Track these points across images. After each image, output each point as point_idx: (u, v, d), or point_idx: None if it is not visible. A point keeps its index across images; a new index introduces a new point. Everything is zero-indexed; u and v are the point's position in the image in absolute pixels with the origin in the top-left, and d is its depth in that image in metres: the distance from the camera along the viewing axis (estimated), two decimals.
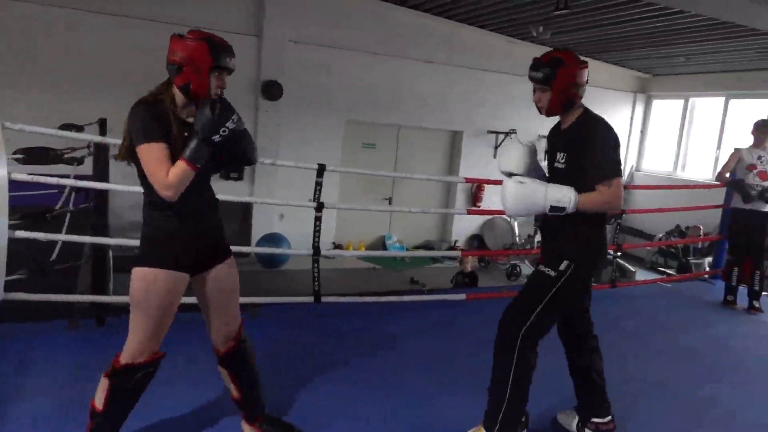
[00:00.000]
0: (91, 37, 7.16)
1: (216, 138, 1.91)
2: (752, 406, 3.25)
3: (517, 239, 9.62)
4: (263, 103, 8.20)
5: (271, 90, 8.12)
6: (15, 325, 3.28)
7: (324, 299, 3.77)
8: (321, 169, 3.63)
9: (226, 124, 1.92)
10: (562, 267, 2.33)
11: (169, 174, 1.88)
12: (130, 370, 2.06)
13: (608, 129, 2.36)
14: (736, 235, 5.24)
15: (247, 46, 7.99)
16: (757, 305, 5.13)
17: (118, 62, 7.31)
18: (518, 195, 2.27)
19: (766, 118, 5.28)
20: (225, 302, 2.22)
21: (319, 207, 3.68)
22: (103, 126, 3.81)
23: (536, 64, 2.36)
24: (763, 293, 5.29)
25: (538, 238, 9.46)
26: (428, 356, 3.43)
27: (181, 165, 1.89)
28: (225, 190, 8.67)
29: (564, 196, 2.24)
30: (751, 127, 5.25)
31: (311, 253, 3.73)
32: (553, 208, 2.23)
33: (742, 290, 5.25)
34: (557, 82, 2.30)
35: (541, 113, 2.44)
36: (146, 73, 7.71)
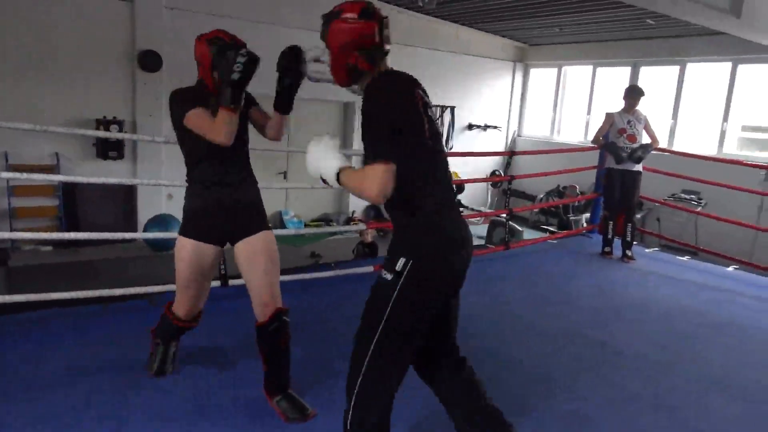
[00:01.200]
0: None
1: (235, 76, 2.18)
2: (635, 343, 3.63)
3: None
4: (141, 75, 7.59)
5: (148, 60, 7.53)
6: None
7: (231, 282, 3.63)
8: None
9: (237, 59, 2.18)
10: (399, 266, 1.78)
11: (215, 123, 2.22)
12: (169, 318, 2.62)
13: (386, 95, 1.79)
14: (610, 192, 5.75)
15: (118, 13, 7.32)
16: (629, 254, 5.71)
17: None
18: (307, 159, 1.85)
19: (635, 84, 5.80)
20: (256, 275, 2.41)
21: None
22: None
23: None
24: (634, 243, 5.89)
25: None
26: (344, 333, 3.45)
27: (219, 113, 2.21)
28: (104, 172, 8.11)
29: (329, 168, 1.79)
30: (618, 94, 5.74)
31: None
32: (322, 180, 1.83)
33: (617, 242, 5.81)
34: (332, 40, 1.86)
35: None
36: (6, 43, 6.93)
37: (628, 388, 3.01)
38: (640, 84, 9.79)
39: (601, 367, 3.28)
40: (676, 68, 9.33)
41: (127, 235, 4.54)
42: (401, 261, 1.77)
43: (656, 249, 6.58)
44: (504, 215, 5.80)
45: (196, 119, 2.28)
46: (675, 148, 8.90)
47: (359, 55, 1.83)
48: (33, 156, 6.99)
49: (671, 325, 4.02)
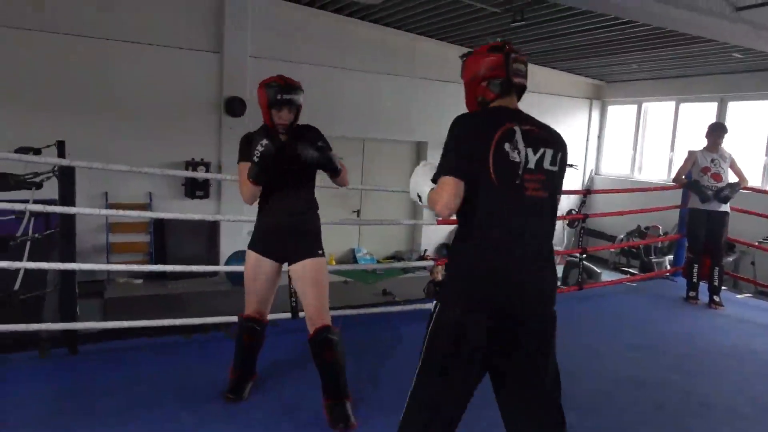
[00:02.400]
0: (46, 57, 6.98)
1: (254, 158, 2.56)
2: (723, 394, 3.39)
3: None
4: (226, 120, 8.13)
5: (234, 106, 8.06)
6: None
7: (301, 314, 3.74)
8: None
9: (256, 148, 2.55)
10: (433, 308, 1.87)
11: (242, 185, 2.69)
12: (241, 320, 2.95)
13: (455, 124, 1.89)
14: (695, 233, 5.45)
15: (208, 63, 7.93)
16: (717, 300, 5.34)
17: (74, 82, 7.15)
18: (410, 180, 2.01)
19: (717, 121, 5.54)
20: (304, 293, 2.76)
21: None
22: (61, 148, 3.69)
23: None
24: (723, 288, 5.52)
25: None
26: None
27: (246, 182, 2.65)
28: (190, 209, 8.59)
29: (423, 188, 1.94)
30: (703, 130, 5.50)
31: (286, 269, 3.70)
32: (419, 198, 1.97)
33: (703, 286, 5.46)
34: (464, 74, 2.03)
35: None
36: (104, 92, 7.69)
37: None
38: (729, 120, 9.37)
39: (685, 417, 3.07)
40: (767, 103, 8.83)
41: (210, 269, 4.80)
42: (434, 304, 1.86)
43: (749, 295, 6.11)
44: (578, 254, 5.62)
45: (239, 169, 2.72)
46: None
47: (486, 86, 1.94)
48: (128, 195, 7.59)
49: (764, 377, 3.71)
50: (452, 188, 1.77)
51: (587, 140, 11.63)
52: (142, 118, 7.58)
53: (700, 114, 9.74)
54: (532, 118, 1.92)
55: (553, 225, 1.92)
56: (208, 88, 8.01)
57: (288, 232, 2.78)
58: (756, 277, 7.34)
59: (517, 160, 1.80)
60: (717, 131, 5.38)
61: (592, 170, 11.75)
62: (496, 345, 1.79)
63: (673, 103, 10.33)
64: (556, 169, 1.87)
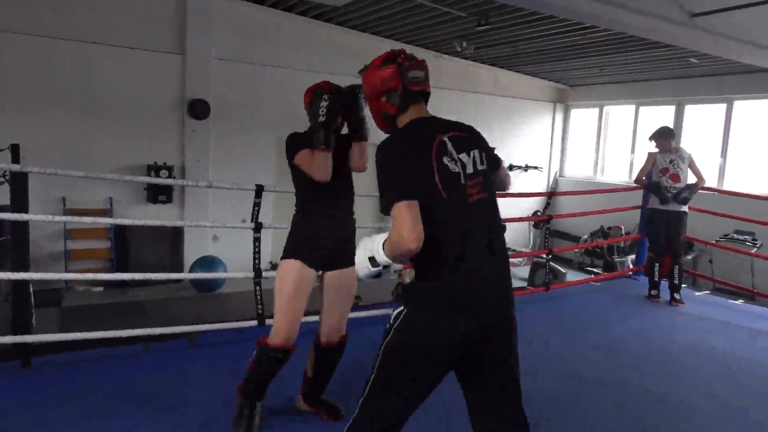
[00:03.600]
0: (1, 57, 6.72)
1: (321, 119, 2.47)
2: (682, 391, 3.46)
3: None
4: (190, 122, 7.96)
5: (197, 108, 7.90)
6: None
7: (268, 321, 3.68)
8: (259, 190, 3.57)
9: (321, 104, 2.47)
10: (394, 314, 1.81)
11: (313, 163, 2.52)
12: (267, 349, 2.62)
13: (379, 152, 1.78)
14: (655, 233, 5.58)
15: (171, 65, 7.76)
16: (677, 297, 5.48)
17: (31, 83, 6.89)
18: (356, 259, 1.81)
19: (662, 126, 5.68)
20: (336, 303, 2.72)
21: (258, 227, 3.61)
22: (15, 152, 3.55)
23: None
24: (683, 285, 5.67)
25: None
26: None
27: (315, 153, 2.49)
28: (153, 214, 8.41)
29: (369, 246, 1.76)
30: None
31: (253, 276, 3.64)
32: (374, 265, 1.75)
33: (664, 284, 5.60)
34: (365, 89, 1.98)
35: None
36: (64, 94, 7.44)
37: None
38: (686, 123, 9.66)
39: (646, 415, 3.13)
40: (723, 106, 9.13)
41: (174, 276, 4.69)
42: (399, 309, 1.79)
43: (707, 292, 6.30)
44: (544, 256, 5.69)
45: (301, 158, 2.57)
46: (725, 187, 8.62)
47: (385, 100, 1.89)
48: (88, 201, 7.36)
49: (721, 374, 3.81)
50: (411, 212, 1.65)
51: (551, 143, 11.82)
52: (103, 120, 7.36)
53: (659, 117, 10.00)
54: (449, 121, 1.89)
55: (500, 221, 1.90)
56: (171, 90, 7.83)
57: (335, 239, 2.69)
58: (714, 275, 7.56)
59: (457, 170, 1.78)
60: (664, 136, 5.53)
61: (556, 172, 11.94)
62: (465, 349, 1.76)
63: (633, 107, 10.58)
64: (485, 167, 1.86)
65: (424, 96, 1.94)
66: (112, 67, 7.35)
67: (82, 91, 7.21)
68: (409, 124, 1.87)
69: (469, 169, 1.81)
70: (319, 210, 2.66)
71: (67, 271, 7.10)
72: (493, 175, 1.92)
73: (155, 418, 2.75)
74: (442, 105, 10.31)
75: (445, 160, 1.77)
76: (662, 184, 5.41)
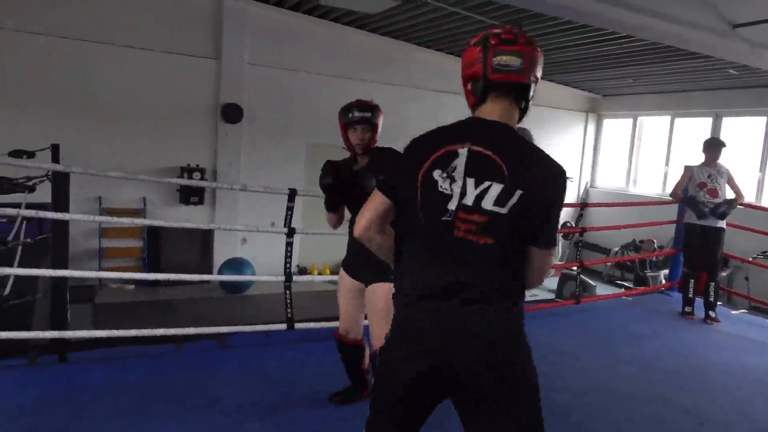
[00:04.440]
0: (41, 60, 6.93)
1: (325, 192, 2.67)
2: (719, 410, 3.36)
3: None
4: (223, 126, 8.09)
5: (231, 113, 8.03)
6: None
7: (297, 325, 3.71)
8: (292, 194, 3.60)
9: (321, 182, 2.64)
10: None
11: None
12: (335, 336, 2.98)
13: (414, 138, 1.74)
14: (691, 249, 5.45)
15: (205, 69, 7.91)
16: (713, 315, 5.33)
17: (69, 86, 7.10)
18: None
19: (714, 136, 5.56)
20: (372, 317, 2.73)
21: (291, 233, 3.64)
22: (56, 152, 3.65)
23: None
24: (719, 303, 5.52)
25: None
26: None
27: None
28: (185, 215, 8.53)
29: None
30: (698, 145, 5.51)
31: (283, 280, 3.67)
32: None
33: (699, 301, 5.45)
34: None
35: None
36: (101, 96, 7.64)
37: None
38: (723, 135, 9.42)
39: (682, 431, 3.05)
40: (763, 119, 8.88)
41: (200, 277, 4.76)
42: None
43: (743, 311, 6.12)
44: (575, 268, 5.61)
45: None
46: (764, 203, 8.38)
47: (469, 89, 1.58)
48: (123, 200, 7.53)
49: (759, 394, 3.69)
50: (375, 202, 1.58)
51: (583, 153, 11.66)
52: (139, 123, 7.53)
53: (695, 129, 9.79)
54: (507, 141, 1.50)
55: (502, 278, 1.50)
56: (205, 94, 7.98)
57: (366, 255, 2.73)
58: (750, 293, 7.34)
59: (447, 192, 1.48)
60: (714, 146, 5.39)
61: (587, 183, 11.77)
62: (429, 388, 1.56)
63: (668, 118, 10.37)
64: (504, 211, 1.44)
65: (516, 89, 1.54)
66: (149, 71, 7.52)
67: (118, 95, 7.39)
68: (457, 123, 1.58)
69: (468, 200, 1.47)
70: (352, 224, 2.77)
71: (100, 268, 7.28)
72: (520, 225, 1.47)
73: (185, 419, 2.78)
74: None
75: (437, 174, 1.49)
76: (699, 198, 5.28)
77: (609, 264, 9.92)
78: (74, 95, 7.13)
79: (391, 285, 2.22)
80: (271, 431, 2.75)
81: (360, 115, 2.66)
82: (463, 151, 1.47)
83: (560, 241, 11.03)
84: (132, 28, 7.36)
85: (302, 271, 8.76)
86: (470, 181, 1.46)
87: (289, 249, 3.68)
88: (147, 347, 3.57)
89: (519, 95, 1.55)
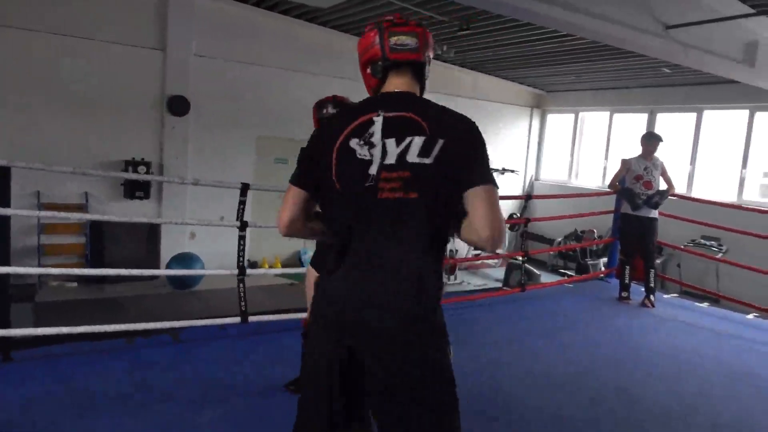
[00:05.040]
0: None
1: None
2: (652, 390, 3.61)
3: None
4: (169, 119, 7.91)
5: (177, 105, 7.86)
6: None
7: (250, 318, 3.72)
8: (245, 188, 3.61)
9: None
10: None
11: None
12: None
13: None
14: (627, 237, 5.76)
15: (151, 61, 7.70)
16: (652, 299, 5.65)
17: (9, 75, 6.77)
18: None
19: (652, 131, 5.86)
20: None
21: (243, 226, 3.64)
22: None
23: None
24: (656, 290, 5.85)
25: (450, 246, 9.82)
26: None
27: None
28: (130, 210, 8.30)
29: None
30: (635, 140, 5.82)
31: (236, 273, 3.67)
32: None
33: (635, 287, 5.78)
34: None
35: None
36: (42, 87, 7.31)
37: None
38: (657, 130, 9.92)
39: (618, 412, 3.26)
40: (693, 115, 9.42)
41: (150, 272, 4.68)
42: None
43: (675, 295, 6.52)
44: (520, 258, 5.83)
45: None
46: (694, 194, 8.90)
47: (369, 72, 1.64)
48: (64, 195, 7.26)
49: (689, 374, 3.97)
50: (290, 197, 1.57)
51: (528, 147, 12.03)
52: (81, 115, 7.27)
53: (632, 124, 10.28)
54: (418, 104, 1.56)
55: (427, 234, 1.49)
56: (151, 86, 7.77)
57: None
58: (681, 278, 7.81)
59: (367, 157, 1.49)
60: (652, 140, 5.68)
61: (532, 176, 12.16)
62: (347, 375, 1.51)
63: (608, 113, 10.85)
64: (429, 161, 1.46)
65: (413, 67, 1.61)
66: (91, 61, 7.27)
67: (58, 85, 7.11)
68: (364, 100, 1.61)
69: (390, 159, 1.48)
70: None
71: (40, 266, 6.99)
72: (443, 174, 1.48)
73: (137, 415, 2.76)
74: None
75: (354, 143, 1.50)
76: (635, 190, 5.58)
77: (553, 254, 10.32)
78: (9, 86, 6.81)
79: None
80: (225, 421, 2.77)
81: (334, 112, 2.63)
82: (378, 119, 1.51)
83: (507, 233, 11.37)
84: (74, 17, 7.08)
85: (253, 265, 8.68)
86: (390, 141, 1.49)
87: (241, 242, 3.68)
88: (95, 343, 3.50)
89: (416, 74, 1.62)
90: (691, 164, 9.45)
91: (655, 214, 5.59)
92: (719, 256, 8.02)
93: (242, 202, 3.63)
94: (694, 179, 9.41)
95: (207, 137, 8.20)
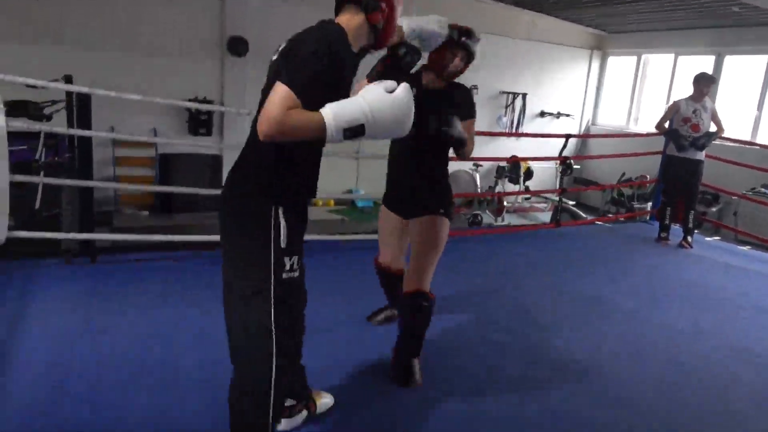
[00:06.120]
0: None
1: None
2: (663, 315, 3.80)
3: (479, 190, 10.08)
4: (229, 60, 8.30)
5: (237, 46, 8.21)
6: (13, 263, 3.57)
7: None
8: None
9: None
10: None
11: None
12: (430, 299, 2.62)
13: None
14: (670, 179, 5.77)
15: (210, 2, 8.04)
16: (690, 240, 5.70)
17: (77, 18, 7.27)
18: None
19: (705, 72, 5.73)
20: (411, 254, 2.63)
21: None
22: (69, 81, 3.92)
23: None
24: (696, 231, 5.87)
25: (498, 188, 9.94)
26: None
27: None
28: (195, 144, 8.74)
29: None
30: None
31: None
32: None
33: (676, 229, 5.82)
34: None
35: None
36: (108, 29, 7.77)
37: (646, 348, 3.22)
38: (724, 74, 9.49)
39: (627, 335, 3.49)
40: (764, 57, 8.94)
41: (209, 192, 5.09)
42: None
43: (718, 238, 6.49)
44: (557, 195, 5.95)
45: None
46: (759, 140, 8.56)
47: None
48: (134, 131, 7.87)
49: (705, 302, 4.14)
50: (291, 102, 1.71)
51: (586, 91, 11.75)
52: (146, 56, 7.74)
53: (697, 67, 9.82)
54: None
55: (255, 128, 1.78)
56: (211, 27, 8.14)
57: (403, 185, 2.73)
58: (737, 226, 7.66)
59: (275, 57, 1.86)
60: (704, 81, 5.56)
61: (588, 120, 11.92)
62: None
63: (672, 56, 10.41)
64: (275, 57, 1.86)
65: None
66: (155, 3, 7.68)
67: (125, 28, 7.57)
68: None
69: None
70: (396, 150, 2.76)
71: (116, 195, 7.72)
72: (273, 72, 1.83)
73: (201, 305, 3.24)
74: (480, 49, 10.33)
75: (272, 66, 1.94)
76: (681, 132, 5.54)
77: (606, 200, 10.24)
78: (85, 31, 7.32)
79: (441, 218, 2.59)
80: None
81: (466, 42, 2.49)
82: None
83: (558, 177, 11.32)
84: None
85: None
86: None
87: None
88: (167, 253, 4.02)
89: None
90: (758, 109, 9.04)
91: (701, 156, 5.55)
92: None
93: None
94: (760, 125, 9.02)
95: (264, 77, 8.53)
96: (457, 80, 2.60)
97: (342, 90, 1.74)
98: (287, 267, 1.78)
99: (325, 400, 2.32)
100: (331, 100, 1.63)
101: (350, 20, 1.83)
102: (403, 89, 1.67)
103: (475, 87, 10.03)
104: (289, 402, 2.16)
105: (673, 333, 3.52)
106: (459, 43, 2.45)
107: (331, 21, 1.83)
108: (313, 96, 1.61)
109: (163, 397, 2.33)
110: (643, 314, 3.79)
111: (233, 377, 1.86)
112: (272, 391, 1.80)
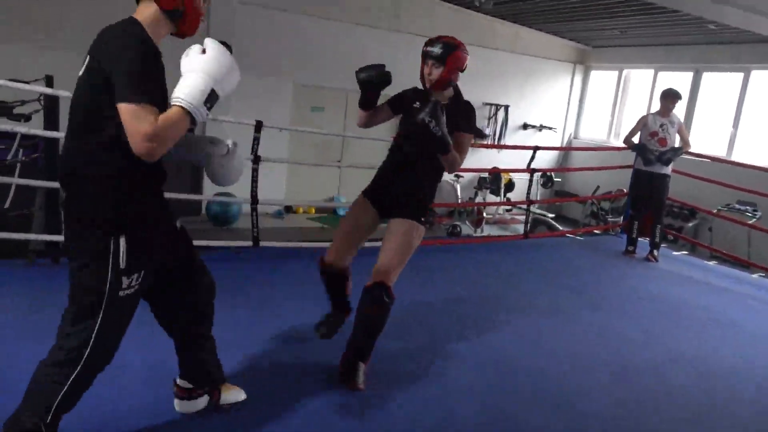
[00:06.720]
0: None
1: (361, 87, 2.87)
2: (621, 323, 3.88)
3: (459, 201, 10.17)
4: None
5: None
6: None
7: (262, 243, 4.18)
8: (258, 126, 4.01)
9: (358, 76, 2.85)
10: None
11: None
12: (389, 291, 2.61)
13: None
14: (637, 192, 5.88)
15: None
16: (656, 254, 5.81)
17: (63, 20, 7.33)
18: None
19: (671, 88, 5.87)
20: (382, 249, 2.65)
21: (256, 159, 4.07)
22: (49, 82, 4.00)
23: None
24: (662, 245, 5.98)
25: (479, 199, 10.04)
26: None
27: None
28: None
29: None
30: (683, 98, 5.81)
31: (250, 202, 4.12)
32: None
33: (642, 242, 5.93)
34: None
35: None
36: (91, 33, 7.77)
37: (594, 356, 3.31)
38: (702, 90, 9.67)
39: (589, 337, 3.57)
40: (740, 75, 9.12)
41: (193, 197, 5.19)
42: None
43: (685, 252, 6.60)
44: (524, 206, 6.05)
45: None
46: (734, 158, 8.70)
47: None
48: None
49: (661, 313, 4.23)
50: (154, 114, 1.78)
51: (568, 104, 11.91)
52: None
53: (677, 83, 9.98)
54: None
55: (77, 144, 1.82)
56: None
57: (390, 187, 2.79)
58: (712, 243, 7.76)
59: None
60: (671, 97, 5.72)
61: (570, 134, 12.07)
62: None
63: (652, 71, 10.59)
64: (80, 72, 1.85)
65: None
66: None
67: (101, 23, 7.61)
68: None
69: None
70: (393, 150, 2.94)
71: None
72: (86, 87, 1.85)
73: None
74: None
75: None
76: (648, 146, 5.66)
77: (585, 214, 10.35)
78: (65, 31, 7.37)
79: (418, 225, 2.68)
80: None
81: (426, 50, 2.67)
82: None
83: (539, 190, 11.44)
84: None
85: (288, 210, 9.19)
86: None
87: (254, 175, 4.11)
88: None
89: None
90: (733, 127, 9.21)
91: (667, 170, 5.67)
92: (753, 221, 7.88)
93: (256, 138, 4.05)
94: (735, 142, 9.19)
95: (247, 84, 8.55)
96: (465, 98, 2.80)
97: (163, 80, 1.86)
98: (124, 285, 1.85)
99: (233, 393, 2.35)
100: (163, 91, 1.81)
101: (143, 11, 1.87)
102: (210, 42, 1.84)
103: None
104: (185, 384, 2.26)
105: (622, 342, 3.61)
106: (424, 53, 2.66)
107: (128, 20, 1.87)
108: (154, 94, 1.74)
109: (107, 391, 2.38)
110: (599, 324, 3.88)
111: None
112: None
